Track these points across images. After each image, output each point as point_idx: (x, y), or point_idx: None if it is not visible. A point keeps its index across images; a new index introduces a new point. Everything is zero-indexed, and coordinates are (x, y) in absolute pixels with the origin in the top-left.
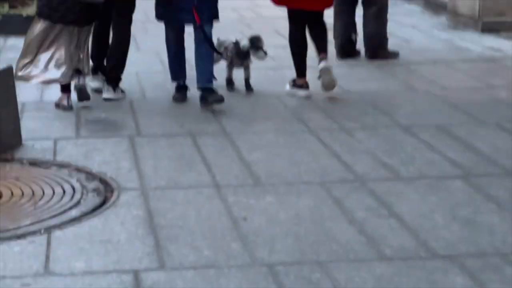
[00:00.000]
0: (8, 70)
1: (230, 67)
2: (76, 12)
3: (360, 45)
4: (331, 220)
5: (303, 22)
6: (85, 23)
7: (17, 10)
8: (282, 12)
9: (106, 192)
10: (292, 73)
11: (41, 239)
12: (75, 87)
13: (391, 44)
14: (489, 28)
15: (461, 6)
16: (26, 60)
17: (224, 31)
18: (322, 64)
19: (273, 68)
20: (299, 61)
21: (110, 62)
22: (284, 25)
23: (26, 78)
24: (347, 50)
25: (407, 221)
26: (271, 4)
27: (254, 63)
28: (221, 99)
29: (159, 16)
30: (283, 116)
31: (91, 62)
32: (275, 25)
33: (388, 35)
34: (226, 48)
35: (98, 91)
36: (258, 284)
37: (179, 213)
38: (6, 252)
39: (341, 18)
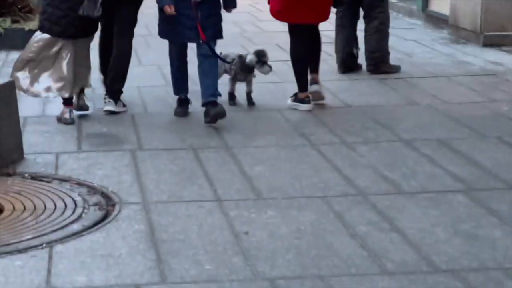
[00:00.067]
0: (10, 84)
1: (234, 81)
2: (76, 25)
3: (361, 59)
4: (332, 234)
5: (304, 36)
6: (85, 35)
7: (19, 25)
8: (283, 26)
9: (108, 206)
10: (293, 87)
11: (43, 253)
12: (77, 106)
13: (393, 58)
14: (491, 42)
15: (462, 20)
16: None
17: (225, 45)
18: (314, 88)
19: (274, 82)
20: (301, 75)
21: (110, 74)
22: (285, 39)
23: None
24: (348, 64)
25: (408, 235)
26: (272, 18)
27: (256, 77)
28: (223, 113)
29: (163, 34)
30: (285, 130)
31: (100, 75)
32: (276, 39)
33: (390, 49)
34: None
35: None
36: None
37: (181, 227)
38: (8, 266)
39: (342, 32)
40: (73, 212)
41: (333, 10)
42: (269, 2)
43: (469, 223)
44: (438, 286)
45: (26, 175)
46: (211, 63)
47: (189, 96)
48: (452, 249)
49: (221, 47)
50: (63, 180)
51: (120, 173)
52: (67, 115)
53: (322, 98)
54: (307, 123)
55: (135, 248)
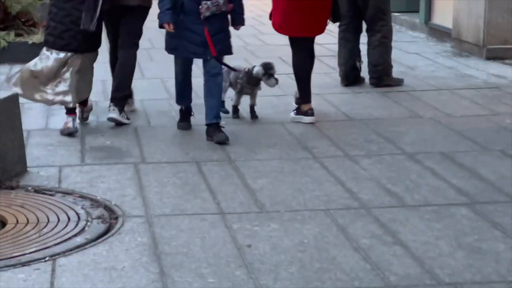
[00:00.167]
0: (14, 98)
1: (240, 94)
2: (79, 39)
3: (364, 72)
4: (335, 247)
5: (304, 48)
6: (89, 50)
7: (22, 38)
8: (286, 40)
9: (111, 219)
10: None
11: (46, 266)
12: (80, 117)
13: (396, 71)
14: (494, 56)
15: (465, 33)
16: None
17: (229, 58)
18: (310, 119)
19: (277, 96)
20: (304, 88)
21: (115, 82)
22: (288, 52)
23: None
24: (351, 77)
25: (412, 248)
26: (275, 32)
27: (261, 89)
28: (226, 140)
29: (170, 49)
30: (288, 143)
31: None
32: (279, 52)
33: (393, 62)
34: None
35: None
36: None
37: (184, 240)
38: (11, 279)
39: (345, 45)
40: (76, 225)
41: (336, 23)
42: (270, 18)
43: (472, 236)
44: None
45: (29, 188)
46: (216, 82)
47: (192, 108)
48: (455, 262)
49: (225, 60)
50: (66, 193)
51: (123, 186)
52: (70, 124)
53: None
54: (310, 136)
55: (138, 261)
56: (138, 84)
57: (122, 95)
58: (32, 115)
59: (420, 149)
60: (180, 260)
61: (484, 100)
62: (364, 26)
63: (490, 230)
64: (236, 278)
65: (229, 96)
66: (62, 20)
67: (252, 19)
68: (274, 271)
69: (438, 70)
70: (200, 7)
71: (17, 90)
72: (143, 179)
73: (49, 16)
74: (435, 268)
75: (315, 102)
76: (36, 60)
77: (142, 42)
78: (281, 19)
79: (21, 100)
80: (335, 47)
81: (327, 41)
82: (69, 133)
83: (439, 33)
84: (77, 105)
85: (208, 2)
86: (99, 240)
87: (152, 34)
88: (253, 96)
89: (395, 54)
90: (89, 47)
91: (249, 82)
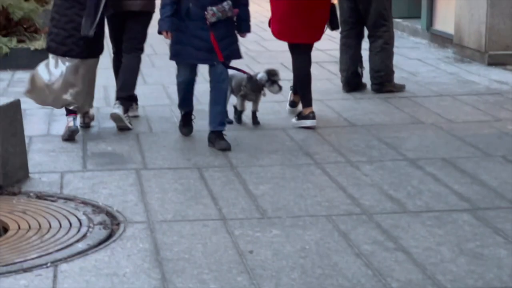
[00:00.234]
0: (16, 104)
1: (243, 99)
2: (81, 45)
3: (366, 78)
4: (337, 253)
5: (304, 54)
6: (91, 55)
7: (24, 44)
8: (287, 46)
9: (113, 225)
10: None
11: (47, 272)
12: (82, 123)
13: (397, 77)
14: (496, 61)
15: (467, 39)
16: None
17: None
18: (312, 122)
19: (279, 101)
20: (305, 92)
21: (119, 83)
22: (289, 58)
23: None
24: (353, 83)
25: (413, 254)
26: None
27: (266, 95)
28: (228, 148)
29: (175, 56)
30: (289, 149)
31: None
32: (281, 58)
33: (394, 68)
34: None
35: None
36: None
37: (186, 246)
38: (13, 285)
39: (347, 51)
40: (78, 231)
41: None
42: (269, 25)
43: (474, 242)
44: None
45: (31, 194)
46: (222, 89)
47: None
48: (457, 268)
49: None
50: (68, 199)
51: (125, 192)
52: (71, 123)
53: None
54: (312, 142)
55: (140, 267)
56: (140, 90)
57: (127, 94)
58: (34, 121)
59: (421, 155)
60: (182, 266)
61: (486, 106)
62: (366, 32)
63: (492, 236)
64: (238, 284)
65: (231, 102)
66: (64, 27)
67: (254, 25)
68: (276, 277)
69: (440, 76)
70: (206, 13)
71: (31, 97)
72: (145, 185)
73: (52, 22)
74: (437, 274)
75: (317, 108)
76: (45, 69)
77: (145, 49)
78: (279, 26)
79: (23, 106)
80: (337, 53)
81: (329, 47)
82: (71, 132)
83: (441, 39)
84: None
85: (214, 8)
86: (100, 246)
87: (154, 40)
88: (255, 102)
89: (396, 60)
90: (92, 53)
91: (253, 89)
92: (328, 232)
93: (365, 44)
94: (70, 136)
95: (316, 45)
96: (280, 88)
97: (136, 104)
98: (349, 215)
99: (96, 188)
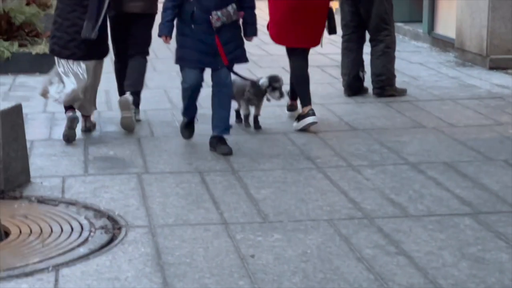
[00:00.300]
0: (17, 108)
1: (247, 103)
2: (83, 48)
3: (367, 82)
4: (339, 257)
5: (301, 57)
6: (94, 57)
7: (26, 49)
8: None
9: (114, 229)
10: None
11: (49, 276)
12: (84, 127)
13: (399, 81)
14: (497, 65)
15: (468, 43)
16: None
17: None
18: (313, 119)
19: (280, 106)
20: (303, 91)
21: (127, 81)
22: None
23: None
24: (355, 87)
25: (415, 258)
26: None
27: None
28: (229, 153)
29: (180, 58)
30: (291, 153)
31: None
32: (282, 62)
33: (396, 72)
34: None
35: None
36: None
37: (187, 251)
38: None
39: (348, 55)
40: (80, 235)
41: (339, 33)
42: (268, 28)
43: (476, 246)
44: None
45: (33, 198)
46: (227, 93)
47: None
48: (459, 272)
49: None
50: (70, 203)
51: (126, 197)
52: (70, 113)
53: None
54: (313, 146)
55: (141, 272)
56: (141, 94)
57: (135, 89)
58: (36, 126)
59: (423, 159)
60: (183, 270)
61: (487, 110)
62: (367, 36)
63: (493, 240)
64: None
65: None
66: (67, 30)
67: None
68: (277, 281)
69: (441, 80)
70: (211, 17)
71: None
72: (147, 189)
73: (54, 26)
74: (438, 278)
75: (318, 112)
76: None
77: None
78: (277, 30)
79: (25, 110)
80: (339, 57)
81: (330, 51)
82: (71, 121)
83: (442, 43)
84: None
85: (218, 13)
86: (102, 251)
87: (156, 44)
88: (257, 107)
89: (398, 64)
90: (95, 55)
91: (256, 94)
92: (330, 236)
93: (367, 48)
94: (71, 125)
95: (318, 49)
96: (281, 94)
97: (138, 108)
98: (351, 219)
99: (97, 193)
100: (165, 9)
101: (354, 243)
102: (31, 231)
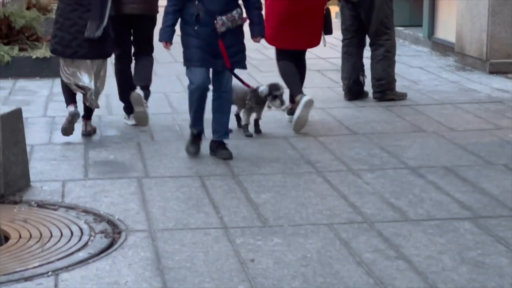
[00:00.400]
0: (17, 112)
1: (249, 112)
2: (86, 47)
3: (368, 86)
4: (339, 261)
5: (291, 57)
6: (97, 57)
7: (26, 53)
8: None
9: (114, 233)
10: None
11: (49, 281)
12: (84, 131)
13: (399, 86)
14: (497, 70)
15: (468, 47)
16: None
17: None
18: (306, 98)
19: (280, 110)
20: (293, 84)
21: (135, 76)
22: None
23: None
24: (355, 92)
25: (415, 263)
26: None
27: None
28: (230, 158)
29: (187, 59)
30: (291, 157)
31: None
32: None
33: (396, 77)
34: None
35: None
36: None
37: (187, 255)
38: None
39: (349, 59)
40: (79, 239)
41: (339, 37)
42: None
43: (475, 250)
44: None
45: (33, 203)
46: (228, 99)
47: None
48: (458, 277)
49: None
50: (70, 207)
51: (126, 201)
52: (72, 108)
53: (303, 125)
54: (313, 150)
55: (141, 276)
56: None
57: (145, 84)
58: (36, 130)
59: (423, 163)
60: (183, 274)
61: (487, 114)
62: (368, 40)
63: (493, 244)
64: None
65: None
66: (68, 30)
67: None
68: (277, 285)
69: (442, 84)
70: (215, 22)
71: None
72: (147, 193)
73: (55, 25)
74: (438, 282)
75: (319, 116)
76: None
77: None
78: (273, 32)
79: (25, 114)
80: (339, 61)
81: (331, 55)
82: (71, 116)
83: (443, 47)
84: (81, 118)
85: (223, 18)
86: (102, 255)
87: (156, 49)
88: (258, 112)
89: (398, 68)
90: (98, 54)
91: (257, 101)
92: (330, 241)
93: (367, 53)
94: (71, 120)
95: (318, 53)
96: (282, 103)
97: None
98: (351, 224)
99: (97, 197)
100: (165, 14)
101: (354, 247)
102: (30, 236)
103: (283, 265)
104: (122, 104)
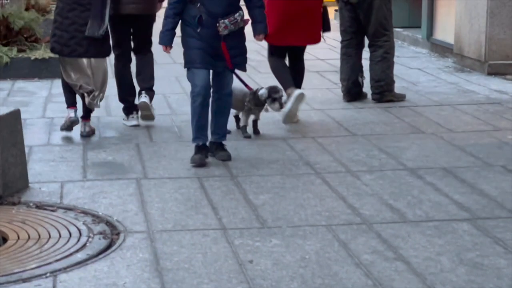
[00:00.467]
0: (16, 113)
1: (247, 114)
2: (84, 45)
3: (366, 87)
4: (337, 263)
5: (284, 54)
6: (95, 55)
7: (25, 54)
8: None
9: (113, 235)
10: (300, 116)
11: (47, 282)
12: (83, 132)
13: (398, 87)
14: (495, 71)
15: (467, 49)
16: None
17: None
18: (298, 91)
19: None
20: (283, 78)
21: (139, 76)
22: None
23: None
24: (354, 93)
25: (413, 264)
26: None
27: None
28: (228, 159)
29: (188, 61)
30: (290, 158)
31: (120, 103)
32: None
33: (395, 78)
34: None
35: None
36: None
37: (185, 256)
38: None
39: (347, 61)
40: (78, 241)
41: (338, 39)
42: None
43: (474, 252)
44: None
45: (31, 204)
46: (228, 101)
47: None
48: (457, 278)
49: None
50: (68, 209)
51: (125, 202)
52: (72, 115)
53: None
54: (312, 151)
55: (139, 277)
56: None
57: (149, 85)
58: (34, 131)
59: (422, 164)
60: (182, 276)
61: (486, 115)
62: (366, 41)
63: (491, 246)
64: None
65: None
66: (67, 29)
67: None
68: (276, 286)
69: (440, 85)
70: (218, 25)
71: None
72: (145, 194)
73: (55, 25)
74: (436, 284)
75: (317, 118)
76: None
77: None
78: (273, 29)
79: (23, 115)
80: (338, 63)
81: (329, 57)
82: (70, 123)
83: (441, 49)
84: (80, 119)
85: (226, 21)
86: (100, 256)
87: (155, 50)
88: (257, 114)
89: (397, 70)
90: (96, 53)
91: (257, 104)
92: (328, 242)
93: (366, 54)
94: (69, 127)
95: (317, 54)
96: (281, 105)
97: (137, 113)
98: (349, 225)
99: (96, 198)
100: (165, 17)
101: (352, 249)
102: (29, 237)
103: (281, 266)
104: (121, 106)
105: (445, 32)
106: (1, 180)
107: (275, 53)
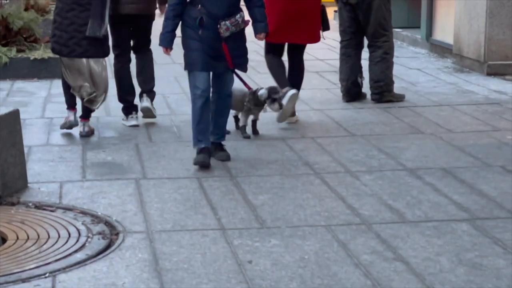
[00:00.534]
0: (15, 113)
1: (247, 114)
2: (83, 45)
3: (366, 88)
4: (336, 263)
5: (281, 52)
6: (94, 55)
7: (24, 54)
8: (286, 56)
9: (112, 235)
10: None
11: (46, 282)
12: (82, 132)
13: (397, 87)
14: (495, 72)
15: (466, 49)
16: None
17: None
18: (292, 91)
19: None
20: (280, 78)
21: (140, 78)
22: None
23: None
24: (353, 93)
25: (412, 264)
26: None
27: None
28: (227, 159)
29: (188, 63)
30: (289, 159)
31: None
32: None
33: (394, 78)
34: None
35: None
36: None
37: (185, 256)
38: None
39: (347, 61)
40: (77, 241)
41: (338, 39)
42: None
43: (473, 252)
44: None
45: (30, 204)
46: (228, 101)
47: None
48: (456, 278)
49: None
50: (67, 209)
51: (124, 202)
52: (71, 117)
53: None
54: (311, 152)
55: (138, 277)
56: (139, 100)
57: (150, 87)
58: (33, 131)
59: (421, 165)
60: (181, 276)
61: (485, 116)
62: (366, 42)
63: (491, 246)
64: None
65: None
66: (66, 29)
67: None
68: (275, 287)
69: (439, 86)
70: (219, 27)
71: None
72: (144, 195)
73: (54, 25)
74: (436, 284)
75: (317, 118)
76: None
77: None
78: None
79: (22, 116)
80: (337, 63)
81: (329, 57)
82: (70, 125)
83: (440, 49)
84: (79, 119)
85: (227, 23)
86: (99, 256)
87: (154, 50)
88: (256, 114)
89: (396, 70)
90: (95, 52)
91: (256, 104)
92: (327, 242)
93: (365, 54)
94: (68, 128)
95: (316, 54)
96: (280, 106)
97: (136, 113)
98: (349, 225)
99: (95, 198)
100: (166, 19)
101: (351, 249)
102: (28, 237)
103: (280, 266)
104: (120, 106)
105: (444, 32)
106: (0, 180)
107: (271, 51)
